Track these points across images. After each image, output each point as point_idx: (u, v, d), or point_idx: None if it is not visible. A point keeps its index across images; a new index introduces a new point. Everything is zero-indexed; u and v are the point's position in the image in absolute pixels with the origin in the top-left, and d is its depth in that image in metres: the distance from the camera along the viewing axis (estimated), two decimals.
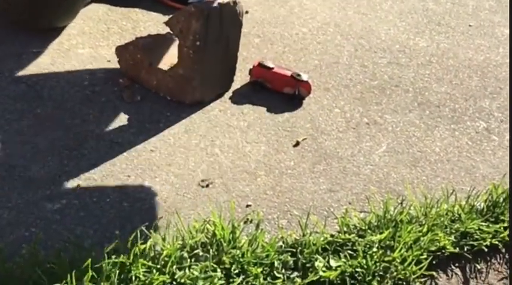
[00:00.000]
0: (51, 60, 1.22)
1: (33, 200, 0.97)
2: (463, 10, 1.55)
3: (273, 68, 1.21)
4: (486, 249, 0.98)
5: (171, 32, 1.14)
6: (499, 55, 1.42)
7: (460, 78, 1.34)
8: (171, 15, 1.14)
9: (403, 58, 1.37)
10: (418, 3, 1.56)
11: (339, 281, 0.90)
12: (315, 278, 0.89)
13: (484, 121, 1.24)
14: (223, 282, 0.87)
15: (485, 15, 1.54)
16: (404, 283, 0.93)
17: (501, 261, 0.99)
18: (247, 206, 1.01)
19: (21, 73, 1.18)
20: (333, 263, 0.91)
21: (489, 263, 0.99)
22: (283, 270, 0.90)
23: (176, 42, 1.13)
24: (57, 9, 1.23)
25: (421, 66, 1.35)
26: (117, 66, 1.21)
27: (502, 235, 0.99)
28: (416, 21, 1.49)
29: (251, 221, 0.98)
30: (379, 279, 0.91)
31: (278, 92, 1.21)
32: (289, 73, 1.21)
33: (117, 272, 0.84)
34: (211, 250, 0.90)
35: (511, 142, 1.18)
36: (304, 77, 1.20)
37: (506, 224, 1.01)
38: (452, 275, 0.96)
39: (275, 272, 0.90)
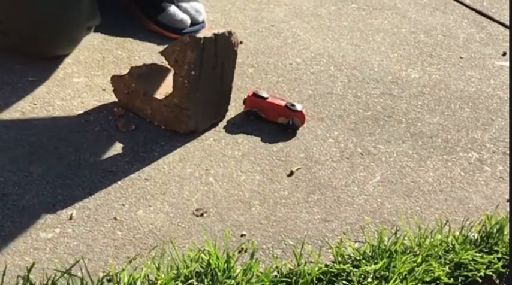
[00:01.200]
0: (46, 88, 1.22)
1: (27, 229, 0.96)
2: (454, 42, 1.57)
3: (267, 98, 1.21)
4: (480, 280, 0.98)
5: (166, 62, 1.15)
6: (490, 87, 1.43)
7: (452, 109, 1.35)
8: (166, 45, 1.15)
9: (395, 89, 1.38)
10: (409, 35, 1.57)
11: None
12: None
13: (476, 152, 1.25)
14: None
15: (476, 47, 1.56)
16: None
17: None
18: (242, 235, 1.01)
19: (16, 101, 1.19)
20: None
21: None
22: None
23: (171, 72, 1.14)
24: (60, 37, 1.23)
25: (413, 97, 1.37)
26: (112, 95, 1.21)
27: (496, 266, 1.00)
28: (408, 53, 1.51)
29: (246, 251, 0.98)
30: None
31: (272, 122, 1.21)
32: (283, 103, 1.21)
33: None
34: (205, 280, 0.89)
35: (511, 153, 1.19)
36: (298, 107, 1.21)
37: (500, 255, 1.01)
38: None
39: None
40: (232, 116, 1.22)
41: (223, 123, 1.21)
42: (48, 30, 1.21)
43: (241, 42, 1.41)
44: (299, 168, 1.15)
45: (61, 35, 1.23)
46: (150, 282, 0.88)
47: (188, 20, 1.42)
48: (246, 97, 1.22)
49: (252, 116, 1.21)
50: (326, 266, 0.96)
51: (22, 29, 1.21)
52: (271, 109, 1.21)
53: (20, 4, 1.20)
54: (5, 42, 1.25)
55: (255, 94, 1.22)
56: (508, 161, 1.23)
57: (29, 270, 0.87)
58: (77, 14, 1.22)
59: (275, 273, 0.94)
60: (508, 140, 1.29)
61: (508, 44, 1.59)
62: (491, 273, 0.99)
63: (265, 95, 1.21)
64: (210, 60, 1.13)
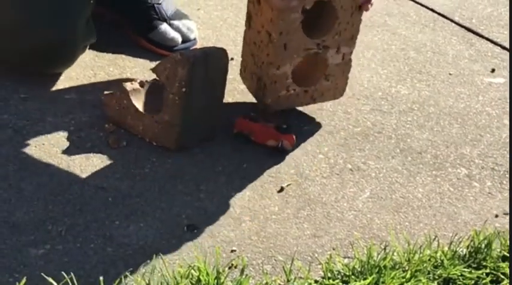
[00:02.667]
0: (38, 105, 1.23)
1: (17, 246, 0.96)
2: (443, 59, 1.59)
3: (257, 120, 1.21)
4: None
5: (158, 78, 1.16)
6: (479, 103, 1.45)
7: (441, 125, 1.36)
8: (157, 62, 1.16)
9: (385, 105, 1.39)
10: (399, 51, 1.59)
11: None
12: None
13: (465, 168, 1.26)
14: None
15: (465, 64, 1.58)
16: None
17: None
18: (232, 251, 1.01)
19: (7, 118, 1.19)
20: None
21: None
22: None
23: (162, 89, 1.15)
24: (57, 56, 1.24)
25: (403, 113, 1.38)
26: (104, 111, 1.22)
27: (484, 281, 1.00)
28: (398, 69, 1.52)
29: (236, 267, 0.98)
30: None
31: (261, 144, 1.21)
32: (272, 125, 1.21)
33: None
34: None
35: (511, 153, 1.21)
36: (288, 130, 1.21)
37: (488, 270, 1.02)
38: None
39: None
40: (223, 132, 1.23)
41: (214, 139, 1.22)
42: (45, 48, 1.21)
43: (232, 59, 1.42)
44: (289, 184, 1.15)
45: (58, 53, 1.24)
46: None
47: (179, 38, 1.44)
48: (236, 119, 1.22)
49: (242, 138, 1.21)
50: (316, 281, 0.96)
51: (17, 48, 1.22)
52: (260, 132, 1.20)
53: (15, 21, 1.21)
54: (2, 59, 1.26)
55: (245, 116, 1.22)
56: (497, 177, 1.24)
57: None
58: (74, 33, 1.23)
59: None
60: (497, 156, 1.30)
61: (496, 61, 1.61)
62: None
63: (255, 117, 1.21)
64: (201, 77, 1.14)
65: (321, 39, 1.21)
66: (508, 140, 1.34)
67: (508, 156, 1.30)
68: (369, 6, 1.23)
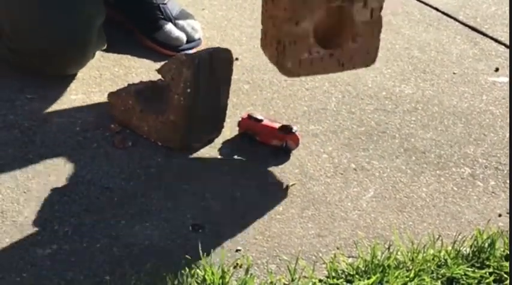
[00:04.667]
0: (44, 106, 1.24)
1: (24, 245, 0.97)
2: (447, 58, 1.59)
3: (262, 120, 1.22)
4: None
5: (163, 79, 1.17)
6: (483, 103, 1.45)
7: (445, 125, 1.37)
8: (162, 63, 1.17)
9: (389, 105, 1.40)
10: (403, 51, 1.59)
11: None
12: None
13: (468, 167, 1.26)
14: None
15: (469, 63, 1.58)
16: None
17: None
18: (237, 250, 1.02)
19: (14, 119, 1.20)
20: None
21: None
22: None
23: (168, 89, 1.15)
24: (69, 60, 1.25)
25: (406, 112, 1.38)
26: (109, 112, 1.23)
27: (487, 280, 1.01)
28: (402, 69, 1.53)
29: (241, 266, 0.99)
30: None
31: (266, 144, 1.21)
32: (277, 125, 1.22)
33: None
34: None
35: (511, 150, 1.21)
36: (293, 130, 1.21)
37: (491, 270, 1.02)
38: None
39: None
40: (228, 132, 1.24)
41: (219, 139, 1.23)
42: (61, 52, 1.22)
43: (236, 59, 1.42)
44: (294, 184, 1.16)
45: (73, 58, 1.24)
46: None
47: (184, 38, 1.44)
48: (240, 119, 1.23)
49: (247, 139, 1.21)
50: (320, 281, 0.97)
51: (30, 49, 1.23)
52: (265, 132, 1.21)
53: (28, 23, 1.21)
54: (13, 59, 1.27)
55: (249, 117, 1.22)
56: (500, 177, 1.25)
57: None
58: (91, 38, 1.24)
59: None
60: (501, 155, 1.30)
61: (500, 60, 1.61)
62: None
63: (260, 117, 1.22)
64: (206, 77, 1.15)
65: None
66: None
67: None
68: None
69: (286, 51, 1.08)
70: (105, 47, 1.32)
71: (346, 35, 1.13)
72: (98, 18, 1.25)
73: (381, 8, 1.13)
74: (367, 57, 1.16)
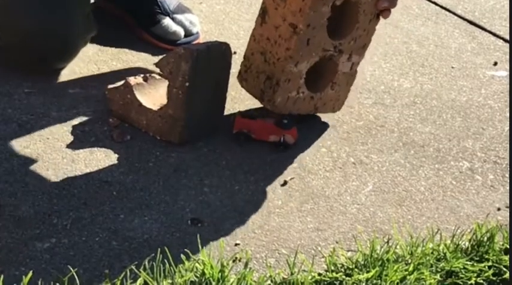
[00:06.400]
0: (43, 100, 1.24)
1: (23, 239, 0.97)
2: (445, 52, 1.59)
3: (256, 117, 1.21)
4: None
5: (161, 73, 1.16)
6: (481, 96, 1.45)
7: (443, 119, 1.37)
8: (161, 57, 1.17)
9: (388, 99, 1.40)
10: (402, 45, 1.59)
11: None
12: None
13: (467, 161, 1.26)
14: None
15: (468, 57, 1.58)
16: None
17: None
18: (236, 245, 1.02)
19: (12, 112, 1.20)
20: None
21: None
22: None
23: (166, 83, 1.15)
24: (56, 51, 1.24)
25: (405, 106, 1.38)
26: (108, 106, 1.22)
27: (486, 274, 1.01)
28: (400, 63, 1.53)
29: (240, 260, 0.99)
30: None
31: (263, 141, 1.21)
32: (273, 120, 1.21)
33: None
34: None
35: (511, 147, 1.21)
36: (289, 124, 1.20)
37: (490, 263, 1.03)
38: None
39: None
40: (226, 126, 1.24)
41: (218, 133, 1.23)
42: (43, 44, 1.22)
43: (234, 53, 1.42)
44: (292, 178, 1.16)
45: (57, 48, 1.24)
46: None
47: (182, 32, 1.44)
48: (233, 118, 1.22)
49: (242, 137, 1.21)
50: (319, 274, 0.97)
51: (18, 44, 1.22)
52: (261, 129, 1.20)
53: (14, 19, 1.21)
54: (3, 56, 1.26)
55: (242, 115, 1.21)
56: (499, 171, 1.25)
57: (25, 281, 0.88)
58: (73, 28, 1.23)
59: (269, 282, 0.95)
60: (500, 149, 1.30)
61: (498, 54, 1.61)
62: (481, 281, 1.01)
63: (254, 114, 1.21)
64: (204, 71, 1.15)
65: (338, 42, 1.20)
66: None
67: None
68: (389, 14, 1.22)
69: (279, 87, 1.18)
70: (95, 33, 1.30)
71: (326, 82, 1.25)
72: (81, 6, 1.24)
73: (359, 63, 1.26)
74: (336, 103, 1.29)
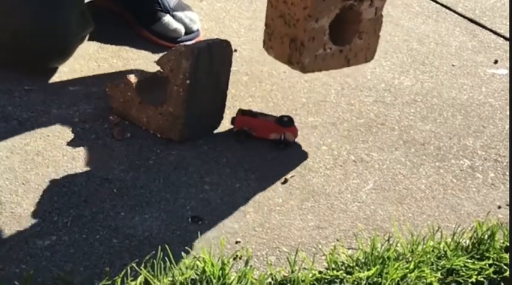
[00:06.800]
0: (43, 97, 1.24)
1: (24, 237, 0.97)
2: (446, 50, 1.59)
3: (256, 115, 1.21)
4: None
5: (162, 70, 1.16)
6: (482, 95, 1.45)
7: (444, 117, 1.37)
8: (161, 54, 1.17)
9: (388, 97, 1.40)
10: (402, 43, 1.59)
11: None
12: None
13: (468, 159, 1.26)
14: None
15: (468, 55, 1.58)
16: None
17: None
18: (237, 242, 1.02)
19: (12, 110, 1.20)
20: None
21: None
22: None
23: (166, 81, 1.15)
24: (51, 49, 1.24)
25: (406, 104, 1.38)
26: (108, 103, 1.22)
27: (487, 272, 1.01)
28: (401, 61, 1.52)
29: (240, 258, 0.99)
30: None
31: (264, 139, 1.21)
32: (273, 118, 1.21)
33: None
34: None
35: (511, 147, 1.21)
36: (290, 121, 1.20)
37: (491, 261, 1.03)
38: None
39: None
40: (227, 124, 1.24)
41: (218, 131, 1.23)
42: (38, 42, 1.21)
43: (235, 50, 1.42)
44: (293, 176, 1.16)
45: (52, 47, 1.23)
46: None
47: (182, 29, 1.44)
48: (234, 117, 1.21)
49: (243, 135, 1.20)
50: (320, 272, 0.97)
51: (13, 44, 1.22)
52: (261, 127, 1.20)
53: (7, 18, 1.21)
54: (3, 55, 1.26)
55: (243, 113, 1.21)
56: (500, 169, 1.25)
57: (26, 279, 0.88)
58: (67, 25, 1.23)
59: (269, 280, 0.95)
60: (500, 147, 1.30)
61: (499, 52, 1.61)
62: (482, 279, 1.01)
63: (254, 112, 1.21)
64: (205, 69, 1.14)
65: None
66: None
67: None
68: None
69: (304, 47, 1.14)
70: (92, 30, 1.30)
71: (352, 32, 1.20)
72: (74, 4, 1.24)
73: (383, 6, 1.21)
74: (368, 53, 1.24)
